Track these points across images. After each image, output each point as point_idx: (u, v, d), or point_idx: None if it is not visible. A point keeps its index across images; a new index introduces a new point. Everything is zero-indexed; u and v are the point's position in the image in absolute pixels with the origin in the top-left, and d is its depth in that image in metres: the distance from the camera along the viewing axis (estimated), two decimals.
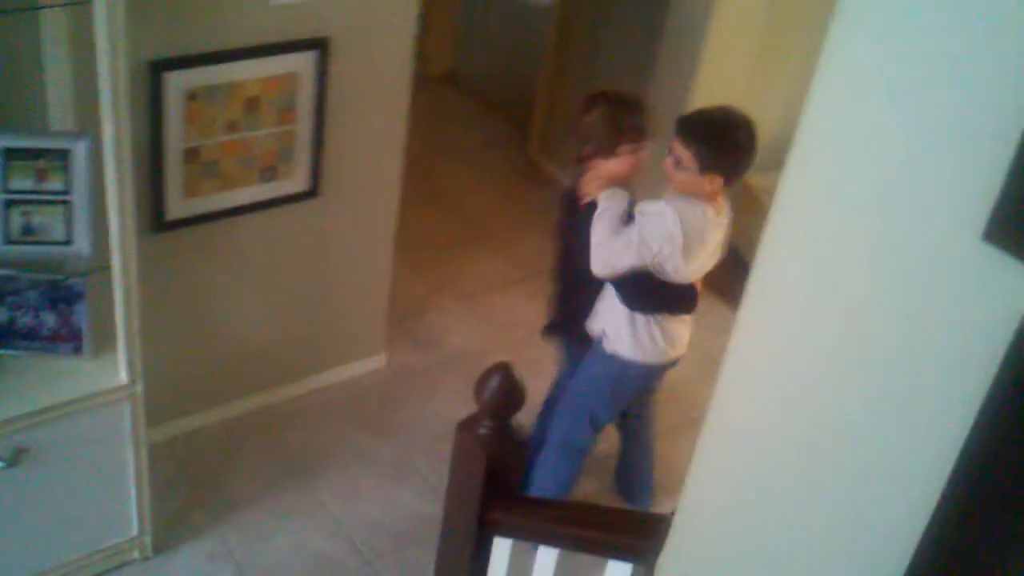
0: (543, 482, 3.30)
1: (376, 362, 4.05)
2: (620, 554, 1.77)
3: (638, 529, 1.71)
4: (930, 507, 1.03)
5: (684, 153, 2.89)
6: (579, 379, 3.28)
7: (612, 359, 3.14)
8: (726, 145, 2.93)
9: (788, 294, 1.21)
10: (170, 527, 3.29)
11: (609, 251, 2.95)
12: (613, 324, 3.12)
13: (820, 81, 1.10)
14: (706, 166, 2.90)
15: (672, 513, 1.48)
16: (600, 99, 3.11)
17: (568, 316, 3.35)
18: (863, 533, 1.15)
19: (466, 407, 3.55)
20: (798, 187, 1.19)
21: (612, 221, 2.97)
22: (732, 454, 1.33)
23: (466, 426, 1.94)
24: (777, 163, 4.42)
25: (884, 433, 1.09)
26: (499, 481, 1.92)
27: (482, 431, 1.90)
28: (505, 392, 1.87)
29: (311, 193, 3.43)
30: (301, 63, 3.17)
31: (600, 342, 3.17)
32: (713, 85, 4.40)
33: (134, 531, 3.08)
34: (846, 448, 1.15)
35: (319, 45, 3.17)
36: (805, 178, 1.17)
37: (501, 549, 2.00)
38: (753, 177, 4.79)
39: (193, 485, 3.47)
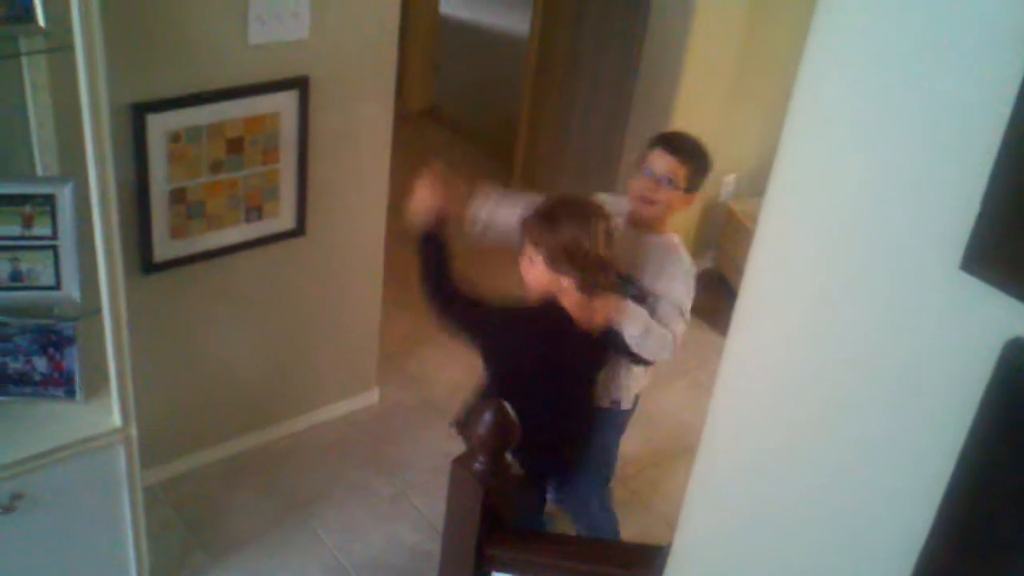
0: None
1: (369, 398, 4.06)
2: None
3: (635, 561, 1.71)
4: (923, 532, 1.04)
5: (680, 170, 2.80)
6: (599, 463, 3.17)
7: (627, 414, 3.10)
8: (709, 163, 2.91)
9: (775, 323, 1.22)
10: (169, 570, 3.29)
11: (673, 341, 2.76)
12: (625, 385, 3.03)
13: (794, 112, 1.12)
14: (693, 185, 2.85)
15: (669, 544, 1.49)
16: (567, 215, 2.66)
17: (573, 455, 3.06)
18: (859, 561, 1.16)
19: (460, 442, 3.56)
20: (778, 215, 1.20)
21: (649, 323, 2.73)
22: (726, 483, 1.34)
23: (461, 462, 1.94)
24: (758, 190, 4.49)
25: (874, 461, 1.11)
26: (496, 516, 1.92)
27: (477, 466, 1.90)
28: (498, 428, 1.88)
29: (297, 231, 3.44)
30: (282, 102, 3.19)
31: (611, 410, 3.06)
32: (692, 110, 4.45)
33: (132, 575, 3.06)
34: (838, 475, 1.16)
35: (299, 84, 3.19)
36: (785, 207, 1.19)
37: None
38: (736, 203, 4.84)
39: (191, 527, 3.47)
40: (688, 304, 2.83)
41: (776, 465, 1.25)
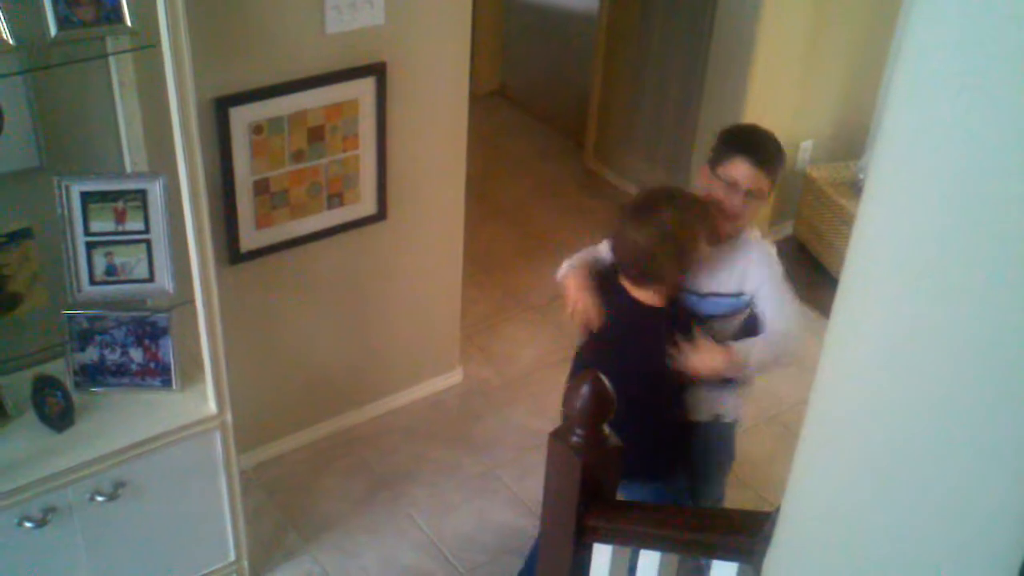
0: None
1: (452, 378, 4.10)
2: (724, 554, 1.79)
3: (740, 528, 1.72)
4: None
5: (765, 181, 2.63)
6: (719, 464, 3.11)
7: (730, 427, 3.00)
8: (784, 156, 2.75)
9: (881, 295, 1.20)
10: (265, 551, 3.37)
11: (791, 344, 2.66)
12: (729, 396, 2.91)
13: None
14: (773, 187, 2.70)
15: (776, 510, 1.49)
16: (631, 208, 2.66)
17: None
18: (975, 531, 1.15)
19: (545, 417, 3.59)
20: (884, 193, 1.18)
21: (761, 353, 2.64)
22: (834, 451, 1.34)
23: (559, 435, 1.96)
24: (835, 155, 4.43)
25: (994, 428, 1.09)
26: (595, 488, 1.94)
27: (575, 439, 1.92)
28: (596, 400, 1.89)
29: (378, 216, 3.48)
30: (361, 89, 3.22)
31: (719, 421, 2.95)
32: (767, 79, 4.40)
33: (231, 557, 3.14)
34: (954, 443, 1.14)
35: (377, 70, 3.22)
36: (891, 185, 1.17)
37: (601, 556, 2.02)
38: (813, 169, 4.79)
39: (284, 509, 3.54)
40: (791, 297, 2.71)
41: (885, 437, 1.24)
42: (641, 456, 2.71)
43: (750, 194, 2.63)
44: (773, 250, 2.76)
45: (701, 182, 2.77)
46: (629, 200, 2.71)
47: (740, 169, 2.62)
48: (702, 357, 2.58)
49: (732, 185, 2.63)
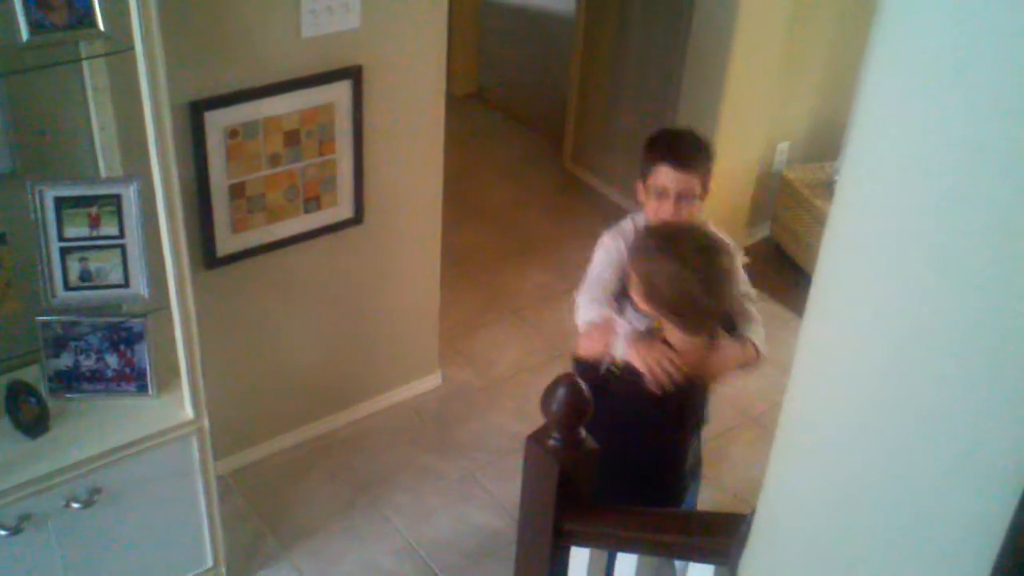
0: None
1: (432, 381, 4.09)
2: (700, 556, 1.79)
3: (717, 530, 1.72)
4: (1009, 504, 1.03)
5: (695, 182, 2.62)
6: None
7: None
8: (713, 152, 2.73)
9: (854, 293, 1.20)
10: (244, 557, 3.35)
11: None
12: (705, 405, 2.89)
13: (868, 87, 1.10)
14: (708, 185, 2.69)
15: (752, 512, 1.49)
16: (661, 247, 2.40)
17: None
18: (946, 533, 1.15)
19: (525, 421, 3.59)
20: (856, 191, 1.18)
21: (752, 347, 2.62)
22: (808, 453, 1.34)
23: (535, 439, 1.96)
24: (811, 156, 4.43)
25: (966, 431, 1.09)
26: (572, 492, 1.94)
27: (552, 443, 1.92)
28: (572, 403, 1.89)
29: (355, 220, 3.47)
30: (336, 93, 3.21)
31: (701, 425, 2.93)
32: (743, 80, 4.41)
33: (209, 563, 3.12)
34: (927, 445, 1.14)
35: (352, 74, 3.21)
36: (863, 183, 1.17)
37: (578, 559, 2.01)
38: (790, 171, 4.81)
39: (262, 514, 3.52)
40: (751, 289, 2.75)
41: (861, 436, 1.24)
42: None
43: (681, 198, 2.63)
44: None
45: (640, 198, 2.76)
46: (650, 241, 2.44)
47: (665, 175, 2.64)
48: (722, 355, 2.55)
49: (662, 193, 2.65)
